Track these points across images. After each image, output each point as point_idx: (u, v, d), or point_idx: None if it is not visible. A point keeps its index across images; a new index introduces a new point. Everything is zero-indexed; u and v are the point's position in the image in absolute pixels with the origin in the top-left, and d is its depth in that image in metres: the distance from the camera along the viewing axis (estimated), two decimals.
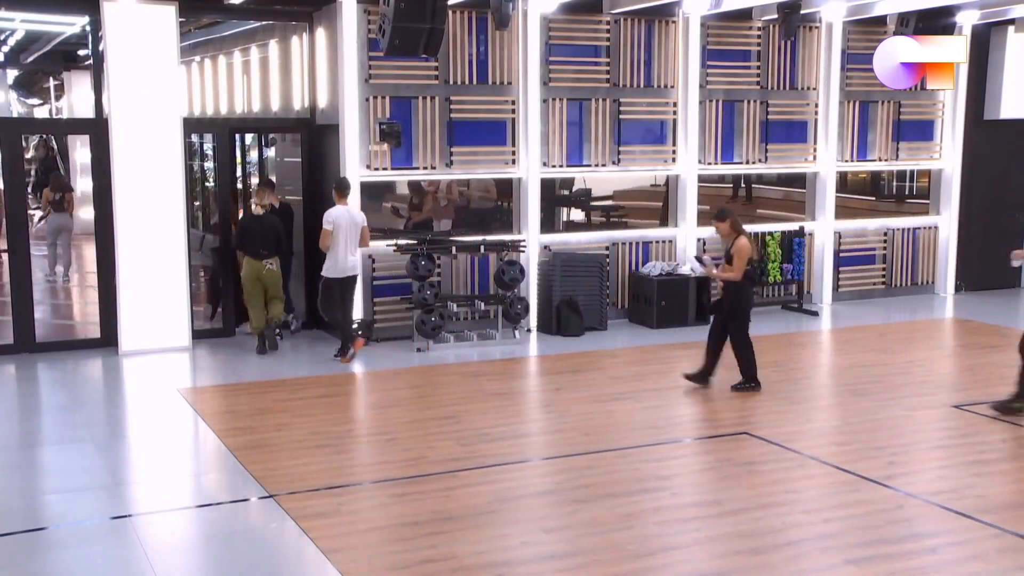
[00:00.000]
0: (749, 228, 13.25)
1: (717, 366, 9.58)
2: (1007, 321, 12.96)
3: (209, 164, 13.24)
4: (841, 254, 14.20)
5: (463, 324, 12.04)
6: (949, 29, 13.10)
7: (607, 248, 12.82)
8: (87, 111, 13.23)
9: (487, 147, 12.03)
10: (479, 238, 11.86)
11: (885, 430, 8.33)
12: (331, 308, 10.77)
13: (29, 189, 15.83)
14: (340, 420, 8.88)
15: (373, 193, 11.91)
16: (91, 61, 11.56)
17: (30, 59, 18.99)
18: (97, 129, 11.02)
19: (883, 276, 14.55)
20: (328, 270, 10.52)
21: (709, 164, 13.24)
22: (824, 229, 13.91)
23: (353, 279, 10.73)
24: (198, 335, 11.44)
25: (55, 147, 21.50)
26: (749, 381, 9.49)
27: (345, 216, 10.46)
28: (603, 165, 12.65)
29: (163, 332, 11.01)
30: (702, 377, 9.60)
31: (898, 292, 14.62)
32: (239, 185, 13.12)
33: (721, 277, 9.50)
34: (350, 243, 10.49)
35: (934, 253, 14.80)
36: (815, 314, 13.43)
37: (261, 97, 13.69)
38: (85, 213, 17.60)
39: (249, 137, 13.50)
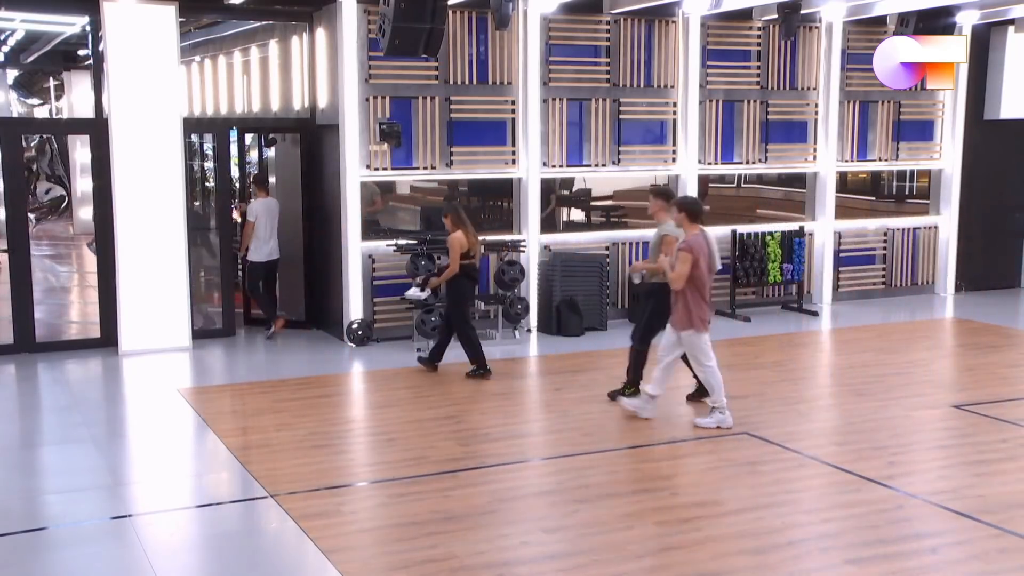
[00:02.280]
0: (749, 228, 13.42)
1: (443, 354, 10.21)
2: (1007, 321, 12.98)
3: (209, 164, 13.26)
4: (841, 254, 14.20)
5: None
6: (949, 29, 13.09)
7: (607, 248, 12.83)
8: (87, 111, 13.22)
9: (487, 147, 12.02)
10: (479, 238, 11.83)
11: (885, 430, 8.33)
12: (256, 289, 11.94)
13: None
14: (340, 420, 8.89)
15: None
16: (91, 61, 11.55)
17: (30, 59, 18.99)
18: (97, 129, 11.02)
19: (883, 276, 14.55)
20: (254, 255, 11.76)
21: (709, 164, 13.25)
22: (824, 229, 13.91)
23: (276, 263, 11.96)
24: (198, 335, 11.45)
25: (54, 148, 21.50)
26: (479, 368, 9.94)
27: (265, 207, 11.76)
28: (603, 165, 12.65)
29: (163, 332, 11.01)
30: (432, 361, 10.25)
31: (898, 292, 14.62)
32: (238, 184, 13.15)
33: (440, 280, 10.11)
34: (271, 230, 11.80)
35: (934, 253, 14.80)
36: (815, 314, 13.43)
37: (261, 97, 13.68)
38: (85, 213, 17.64)
39: (249, 137, 13.49)
